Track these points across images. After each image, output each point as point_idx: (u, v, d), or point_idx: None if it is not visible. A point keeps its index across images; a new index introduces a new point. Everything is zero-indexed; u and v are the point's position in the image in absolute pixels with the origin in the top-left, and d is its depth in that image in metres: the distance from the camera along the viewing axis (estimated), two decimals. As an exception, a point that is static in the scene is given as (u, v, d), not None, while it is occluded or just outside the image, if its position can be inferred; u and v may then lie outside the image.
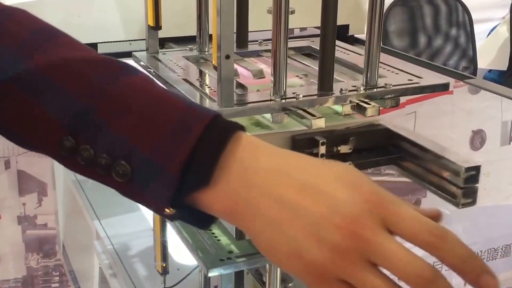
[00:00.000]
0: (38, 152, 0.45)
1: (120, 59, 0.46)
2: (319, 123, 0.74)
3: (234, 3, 0.70)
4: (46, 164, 1.05)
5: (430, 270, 0.37)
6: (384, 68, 0.88)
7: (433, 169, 0.82)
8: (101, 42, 1.33)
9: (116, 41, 1.33)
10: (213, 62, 0.73)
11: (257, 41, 0.98)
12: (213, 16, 0.71)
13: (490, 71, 2.38)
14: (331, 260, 0.37)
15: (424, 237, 0.38)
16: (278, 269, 0.68)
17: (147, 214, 0.80)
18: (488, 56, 2.30)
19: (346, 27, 1.49)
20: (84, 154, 0.41)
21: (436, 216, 0.41)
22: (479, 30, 2.18)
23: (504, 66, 2.30)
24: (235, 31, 0.90)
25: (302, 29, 1.53)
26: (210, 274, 0.64)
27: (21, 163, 1.02)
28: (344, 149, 0.81)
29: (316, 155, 0.79)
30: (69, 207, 0.99)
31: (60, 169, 1.01)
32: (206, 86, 0.80)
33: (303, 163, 0.40)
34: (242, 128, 0.41)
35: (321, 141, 0.79)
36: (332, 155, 0.80)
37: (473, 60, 2.06)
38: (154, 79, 0.49)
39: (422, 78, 0.85)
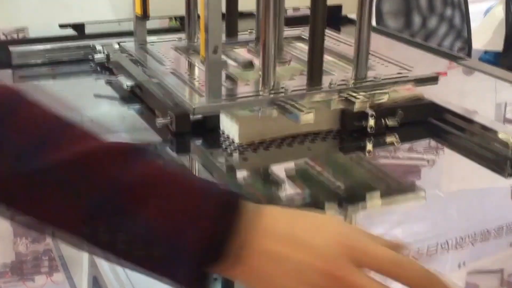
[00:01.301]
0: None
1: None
2: (308, 118, 0.75)
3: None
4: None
5: None
6: (373, 60, 0.89)
7: (480, 141, 0.87)
8: (89, 22, 1.34)
9: (104, 21, 1.34)
10: (201, 54, 0.74)
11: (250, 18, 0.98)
12: (201, 10, 0.72)
13: (486, 52, 2.39)
14: None
15: (388, 267, 0.47)
16: None
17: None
18: (483, 37, 2.30)
19: (339, 8, 1.50)
20: (103, 239, 0.46)
21: (398, 247, 0.49)
22: (474, 10, 2.17)
23: (499, 47, 2.30)
24: (224, 20, 0.91)
25: (295, 9, 1.54)
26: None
27: None
28: (391, 122, 0.84)
29: (365, 128, 0.83)
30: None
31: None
32: (194, 80, 0.81)
33: (292, 221, 0.48)
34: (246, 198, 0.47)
35: (370, 114, 0.82)
36: (380, 127, 0.84)
37: (467, 41, 2.06)
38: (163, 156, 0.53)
39: (411, 70, 0.86)
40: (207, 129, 0.83)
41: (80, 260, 0.81)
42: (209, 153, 0.82)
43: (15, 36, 1.46)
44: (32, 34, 1.42)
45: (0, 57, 1.23)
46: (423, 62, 1.36)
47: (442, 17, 2.06)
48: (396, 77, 0.84)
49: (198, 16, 0.90)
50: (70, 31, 1.36)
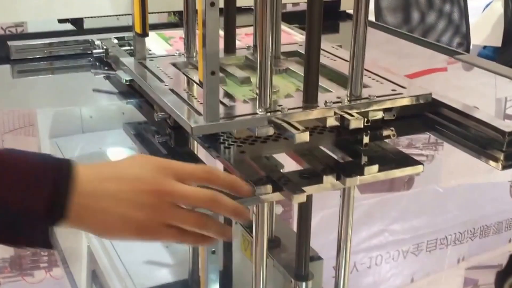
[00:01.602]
0: None
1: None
2: (303, 137, 0.77)
3: (219, 21, 0.72)
4: (33, 142, 1.06)
5: (211, 192, 0.59)
6: (369, 77, 0.91)
7: (475, 134, 0.90)
8: (88, 17, 1.35)
9: (103, 16, 1.35)
10: (199, 77, 0.76)
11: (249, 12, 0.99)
12: (199, 31, 0.73)
13: (484, 47, 2.39)
14: (153, 215, 0.56)
15: (199, 175, 0.60)
16: (265, 217, 0.74)
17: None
18: (482, 33, 2.30)
19: (337, 3, 1.51)
20: None
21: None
22: (473, 6, 2.18)
23: (498, 43, 2.31)
24: (222, 35, 0.93)
25: (294, 4, 1.55)
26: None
27: (8, 142, 1.04)
28: (388, 116, 0.86)
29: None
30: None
31: (47, 148, 1.03)
32: (193, 98, 0.83)
33: (113, 167, 0.59)
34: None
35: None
36: (377, 121, 0.85)
37: (466, 37, 2.07)
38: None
39: (405, 88, 0.88)
40: None
41: (80, 255, 0.83)
42: (207, 147, 0.84)
43: (13, 30, 1.46)
44: (31, 29, 1.43)
45: (-2, 52, 1.22)
46: (422, 58, 1.37)
47: (441, 12, 2.07)
48: (390, 95, 0.86)
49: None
50: (68, 26, 1.37)
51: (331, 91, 0.87)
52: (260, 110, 0.79)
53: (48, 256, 0.95)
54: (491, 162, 0.89)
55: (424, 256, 0.77)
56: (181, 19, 1.07)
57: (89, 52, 1.24)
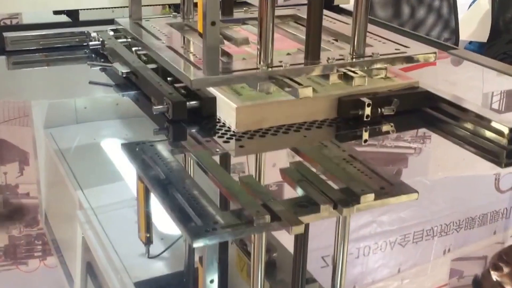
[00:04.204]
0: None
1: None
2: (306, 92, 0.72)
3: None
4: (27, 133, 1.01)
5: None
6: (370, 38, 0.85)
7: (475, 130, 0.84)
8: (83, 9, 1.29)
9: (99, 8, 1.29)
10: (199, 29, 0.70)
11: (242, 8, 0.95)
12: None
13: (470, 42, 2.37)
14: None
15: None
16: (263, 239, 0.66)
17: (131, 184, 0.78)
18: (468, 28, 2.29)
19: None
20: None
21: None
22: (460, 2, 2.17)
23: (484, 38, 2.29)
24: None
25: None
26: (195, 245, 0.62)
27: (2, 132, 0.99)
28: (387, 111, 0.81)
29: (361, 116, 0.80)
30: (51, 177, 0.97)
31: (41, 138, 0.98)
32: (190, 54, 0.76)
33: None
34: None
35: (367, 103, 0.79)
36: (376, 116, 0.81)
37: (455, 31, 2.05)
38: None
39: (408, 47, 0.83)
40: (203, 116, 0.80)
41: (74, 244, 0.78)
42: (205, 141, 0.78)
43: (8, 22, 1.41)
44: (26, 20, 1.38)
45: (-6, 43, 1.19)
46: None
47: (430, 7, 2.04)
48: (394, 53, 0.80)
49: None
50: (64, 18, 1.31)
51: (330, 50, 0.82)
52: (261, 65, 0.73)
53: (42, 245, 0.90)
54: (492, 159, 0.83)
55: (411, 247, 0.74)
56: (176, 11, 1.01)
57: (85, 44, 1.19)
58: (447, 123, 0.87)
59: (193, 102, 0.79)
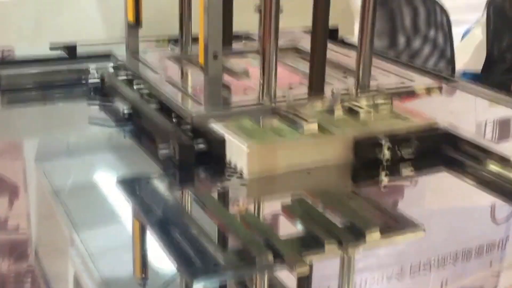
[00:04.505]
0: None
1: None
2: (312, 128, 0.69)
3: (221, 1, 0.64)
4: (18, 166, 0.98)
5: None
6: (374, 70, 0.83)
7: (499, 173, 0.78)
8: (82, 45, 1.25)
9: (96, 43, 1.25)
10: (200, 61, 0.67)
11: (240, 39, 0.93)
12: (200, 14, 0.66)
13: (464, 73, 2.37)
14: None
15: None
16: (266, 280, 0.63)
17: (126, 221, 0.75)
18: (462, 58, 2.28)
19: (335, 30, 1.44)
20: None
21: None
22: (453, 31, 2.17)
23: (478, 69, 2.29)
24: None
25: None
26: (195, 286, 0.59)
27: None
28: (407, 154, 0.76)
29: (379, 160, 0.74)
30: (42, 211, 0.93)
31: (32, 172, 0.95)
32: (191, 89, 0.74)
33: None
34: None
35: (387, 146, 0.74)
36: (396, 159, 0.75)
37: (451, 61, 2.04)
38: None
39: (413, 81, 0.80)
40: (212, 159, 0.74)
41: (65, 281, 0.75)
42: (214, 186, 0.74)
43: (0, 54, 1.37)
44: (20, 54, 1.34)
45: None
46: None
47: (425, 37, 2.04)
48: (400, 86, 0.78)
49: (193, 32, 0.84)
50: (60, 52, 1.27)
51: (332, 84, 0.79)
52: (264, 99, 0.71)
53: (32, 281, 0.86)
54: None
55: (408, 280, 0.71)
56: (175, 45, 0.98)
57: (83, 81, 1.14)
58: (469, 165, 0.81)
59: (201, 145, 0.73)
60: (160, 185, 0.75)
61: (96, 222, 0.76)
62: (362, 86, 0.76)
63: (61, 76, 1.13)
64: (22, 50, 1.29)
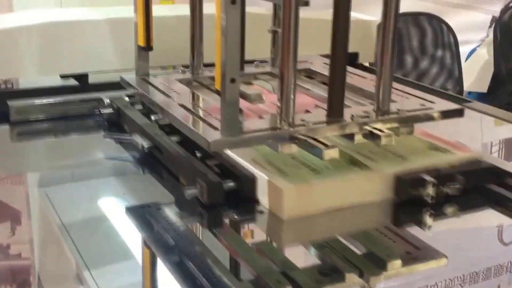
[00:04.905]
0: None
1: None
2: (332, 153, 0.66)
3: (240, 21, 0.62)
4: (20, 191, 0.95)
5: None
6: (393, 93, 0.80)
7: None
8: (93, 72, 1.20)
9: (108, 71, 1.20)
10: (216, 86, 0.64)
11: (253, 62, 0.90)
12: (216, 37, 0.63)
13: (469, 93, 2.35)
14: None
15: None
16: None
17: (134, 248, 0.71)
18: (469, 78, 2.27)
19: (355, 55, 1.41)
20: None
21: None
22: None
23: (484, 88, 2.27)
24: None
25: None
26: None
27: None
28: (452, 190, 0.71)
29: (422, 198, 0.70)
30: (45, 237, 0.90)
31: (35, 197, 0.91)
32: (206, 113, 0.71)
33: None
34: None
35: (431, 182, 0.69)
36: (439, 196, 0.71)
37: (459, 81, 2.03)
38: None
39: (434, 103, 0.77)
40: (242, 198, 0.70)
41: None
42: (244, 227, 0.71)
43: (9, 85, 1.31)
44: (29, 84, 1.28)
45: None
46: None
47: (433, 57, 2.02)
48: (420, 109, 0.75)
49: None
50: (72, 82, 1.22)
51: (350, 107, 0.76)
52: (282, 124, 0.68)
53: None
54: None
55: None
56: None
57: (96, 112, 1.04)
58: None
59: (230, 184, 0.69)
60: (170, 212, 0.72)
61: (100, 244, 0.72)
62: (383, 109, 0.73)
63: (73, 106, 1.08)
64: (30, 80, 1.24)
